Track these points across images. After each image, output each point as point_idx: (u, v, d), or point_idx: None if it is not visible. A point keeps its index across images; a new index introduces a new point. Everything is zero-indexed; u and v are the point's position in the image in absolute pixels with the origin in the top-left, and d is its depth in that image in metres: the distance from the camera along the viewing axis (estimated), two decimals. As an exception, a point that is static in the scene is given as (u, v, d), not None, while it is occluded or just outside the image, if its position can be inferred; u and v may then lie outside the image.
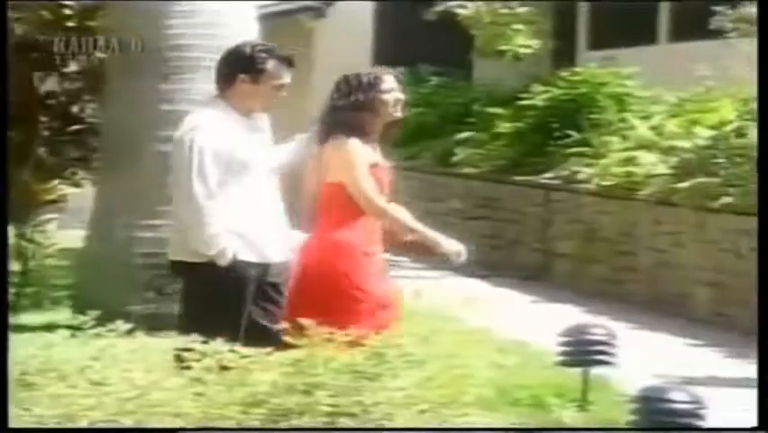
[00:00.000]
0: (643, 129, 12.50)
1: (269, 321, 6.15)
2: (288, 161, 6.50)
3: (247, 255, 6.09)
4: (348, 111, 6.32)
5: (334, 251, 6.33)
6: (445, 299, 6.86)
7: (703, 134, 11.50)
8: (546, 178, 13.25)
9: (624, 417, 6.03)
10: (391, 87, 6.43)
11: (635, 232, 11.72)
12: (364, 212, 6.36)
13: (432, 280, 10.24)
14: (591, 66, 14.37)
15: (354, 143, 6.27)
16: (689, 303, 10.94)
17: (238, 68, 6.20)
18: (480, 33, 14.71)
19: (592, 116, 13.34)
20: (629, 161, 12.02)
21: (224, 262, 6.01)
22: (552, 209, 13.22)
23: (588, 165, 12.65)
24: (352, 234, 6.38)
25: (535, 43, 14.38)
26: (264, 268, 6.20)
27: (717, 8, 12.16)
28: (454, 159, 14.98)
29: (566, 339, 7.16)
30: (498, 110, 14.76)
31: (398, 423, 4.05)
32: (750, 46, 12.31)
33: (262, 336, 5.99)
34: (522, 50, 14.34)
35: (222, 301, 6.04)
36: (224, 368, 4.73)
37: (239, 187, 6.09)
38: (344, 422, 3.98)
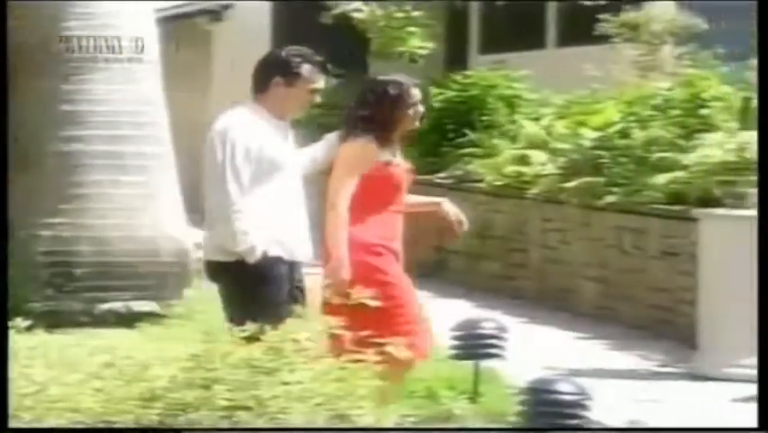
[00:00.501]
0: (532, 130, 12.58)
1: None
2: (316, 161, 6.48)
3: (277, 252, 6.05)
4: (370, 121, 6.36)
5: (351, 247, 6.33)
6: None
7: (589, 135, 11.60)
8: (441, 177, 13.31)
9: (513, 408, 6.06)
10: (415, 100, 6.49)
11: (526, 229, 11.79)
12: (382, 207, 6.42)
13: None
14: (482, 69, 14.48)
15: (363, 145, 6.31)
16: (575, 298, 11.02)
17: (273, 71, 6.16)
18: (376, 36, 14.74)
19: (484, 118, 13.42)
20: (519, 160, 12.09)
21: (252, 259, 5.96)
22: (445, 207, 13.25)
23: (480, 165, 12.72)
24: (366, 229, 6.40)
25: (429, 46, 14.42)
26: (292, 267, 6.18)
27: (602, 15, 12.29)
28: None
29: (458, 333, 7.18)
30: (394, 111, 14.82)
31: (295, 417, 4.03)
32: (632, 50, 12.52)
33: None
34: (416, 53, 14.38)
35: (257, 299, 5.99)
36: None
37: (269, 186, 6.06)
38: (241, 415, 3.95)
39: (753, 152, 8.92)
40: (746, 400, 7.31)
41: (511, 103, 13.49)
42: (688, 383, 8.34)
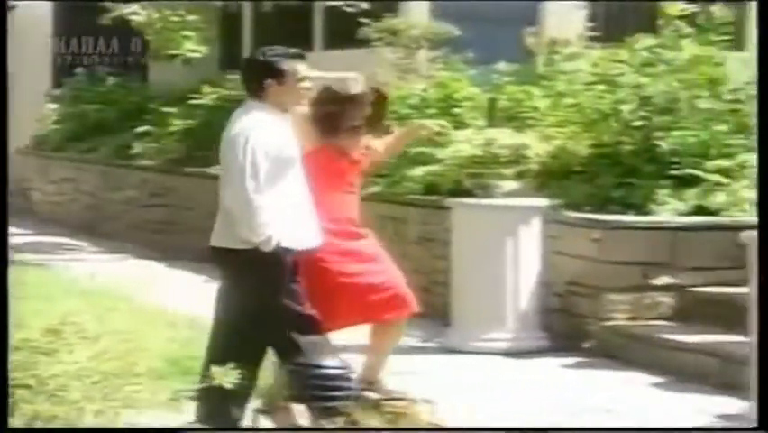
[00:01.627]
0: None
1: (301, 305, 6.15)
2: None
3: (288, 243, 6.02)
4: (323, 119, 6.67)
5: None
6: (121, 279, 6.80)
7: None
8: (216, 169, 13.26)
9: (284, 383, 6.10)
10: (367, 101, 6.80)
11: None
12: (332, 190, 6.61)
13: (108, 262, 10.16)
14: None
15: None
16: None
17: (263, 75, 6.13)
18: (153, 38, 14.63)
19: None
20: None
21: (268, 248, 5.94)
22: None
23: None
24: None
25: (204, 48, 14.37)
26: (296, 254, 6.15)
27: (364, 20, 12.41)
28: (132, 152, 14.94)
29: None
30: (172, 109, 14.79)
31: (73, 393, 4.01)
32: (392, 54, 12.68)
33: (298, 321, 6.10)
34: (191, 55, 14.31)
35: (263, 284, 6.04)
36: None
37: (284, 181, 6.05)
38: (21, 394, 3.90)
39: (498, 147, 9.14)
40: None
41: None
42: (443, 356, 8.51)
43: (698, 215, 8.73)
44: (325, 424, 5.70)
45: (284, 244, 6.00)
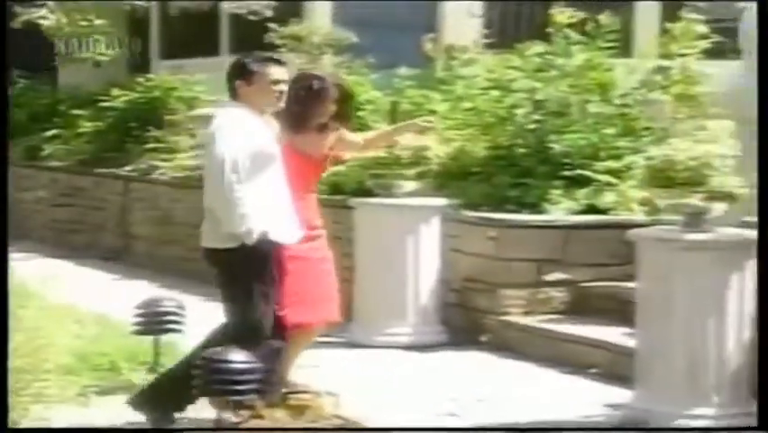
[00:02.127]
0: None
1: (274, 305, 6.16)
2: None
3: (273, 236, 6.05)
4: (291, 113, 6.60)
5: None
6: (29, 277, 6.71)
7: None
8: (126, 170, 13.25)
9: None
10: (331, 98, 6.80)
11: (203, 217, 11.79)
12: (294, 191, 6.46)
13: (18, 261, 9.99)
14: (163, 73, 14.45)
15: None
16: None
17: (234, 77, 6.19)
18: (62, 41, 14.48)
19: (165, 117, 13.39)
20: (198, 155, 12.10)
21: (250, 240, 5.95)
22: (131, 198, 13.22)
23: (162, 159, 12.72)
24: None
25: (112, 52, 14.26)
26: (279, 248, 6.16)
27: (270, 25, 12.39)
28: (42, 153, 14.78)
29: (140, 311, 7.15)
30: (81, 111, 14.66)
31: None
32: (297, 59, 12.65)
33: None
34: (100, 58, 14.19)
35: (253, 281, 6.05)
36: None
37: (262, 176, 6.06)
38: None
39: (399, 149, 9.17)
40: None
41: (190, 104, 13.51)
42: (346, 350, 8.52)
43: (588, 214, 8.83)
44: (232, 417, 5.69)
45: (268, 238, 6.01)
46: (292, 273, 6.32)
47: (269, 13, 12.26)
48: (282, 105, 6.30)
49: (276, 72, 6.20)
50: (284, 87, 6.24)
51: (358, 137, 7.34)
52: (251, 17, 12.00)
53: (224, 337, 6.15)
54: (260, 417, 5.61)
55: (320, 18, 13.49)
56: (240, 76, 6.19)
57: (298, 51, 12.00)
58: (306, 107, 6.78)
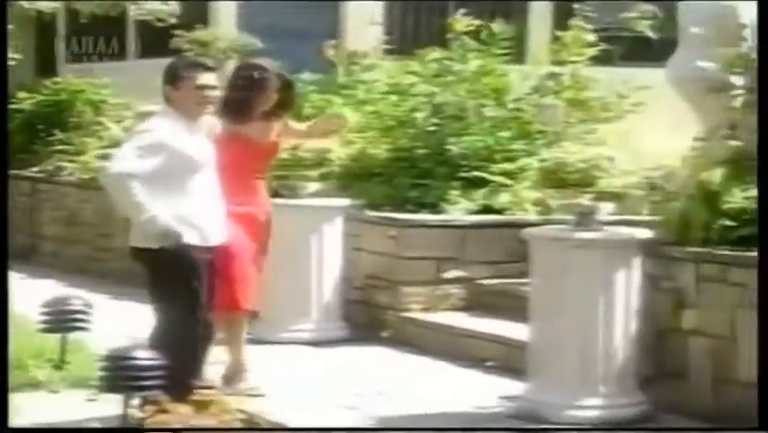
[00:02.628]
0: (116, 130, 12.49)
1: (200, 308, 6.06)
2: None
3: (192, 239, 5.93)
4: (231, 98, 6.65)
5: None
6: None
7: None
8: (33, 171, 13.10)
9: (95, 374, 6.03)
10: (272, 87, 6.74)
11: (111, 217, 11.68)
12: (237, 175, 6.49)
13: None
14: (70, 76, 14.32)
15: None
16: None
17: (164, 81, 6.12)
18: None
19: (73, 119, 13.27)
20: (104, 157, 11.99)
21: (166, 242, 5.86)
22: (38, 198, 13.07)
23: (69, 160, 12.60)
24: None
25: (20, 56, 14.08)
26: (208, 251, 6.06)
27: (175, 31, 12.35)
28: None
29: (47, 309, 7.08)
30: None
31: None
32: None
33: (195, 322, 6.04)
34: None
35: (176, 283, 5.96)
36: None
37: (184, 180, 5.96)
38: None
39: (302, 151, 9.19)
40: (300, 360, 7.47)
41: (97, 107, 13.39)
42: (251, 346, 8.48)
43: (485, 213, 8.91)
44: (137, 413, 5.65)
45: (188, 240, 5.94)
46: (226, 259, 6.36)
47: (175, 20, 12.20)
48: (210, 110, 6.23)
49: (203, 77, 6.08)
50: (212, 93, 6.12)
51: (302, 126, 7.38)
52: (158, 23, 11.92)
53: (155, 336, 6.12)
54: (166, 411, 5.57)
55: (225, 24, 13.47)
56: (168, 80, 6.12)
57: (204, 56, 11.97)
58: (249, 96, 6.74)
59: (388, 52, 11.70)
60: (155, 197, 5.88)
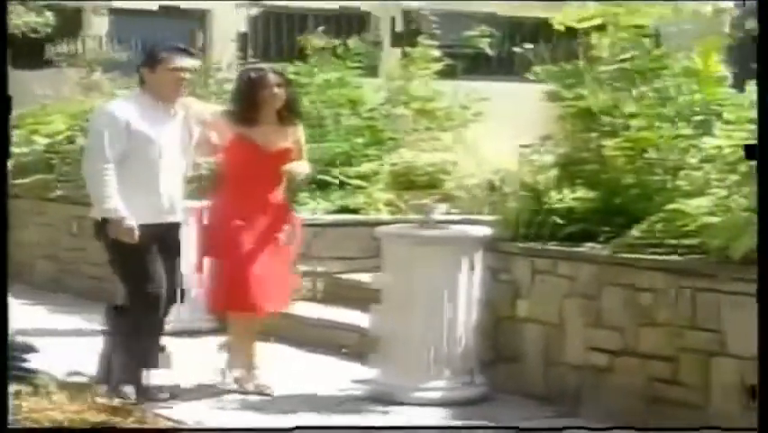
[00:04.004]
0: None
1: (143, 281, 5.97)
2: (194, 137, 6.24)
3: (145, 217, 5.80)
4: (236, 103, 6.30)
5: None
6: None
7: (41, 141, 11.41)
8: None
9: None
10: (272, 83, 6.27)
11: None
12: (242, 180, 6.21)
13: None
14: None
15: (215, 125, 6.21)
16: (31, 272, 10.79)
17: (141, 64, 5.97)
18: None
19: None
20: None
21: (114, 217, 5.72)
22: None
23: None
24: (227, 201, 6.28)
25: None
26: (162, 228, 5.92)
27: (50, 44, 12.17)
28: None
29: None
30: None
31: None
32: (76, 74, 12.46)
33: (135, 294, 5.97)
34: None
35: (129, 259, 5.89)
36: None
37: (142, 157, 5.83)
38: None
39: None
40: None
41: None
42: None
43: (342, 213, 8.95)
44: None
45: (141, 220, 5.84)
46: (238, 263, 6.21)
47: (48, 31, 12.00)
48: (184, 92, 6.09)
49: (179, 61, 5.96)
50: (187, 76, 6.00)
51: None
52: (32, 35, 11.70)
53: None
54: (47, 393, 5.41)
55: (95, 37, 13.28)
56: (145, 63, 5.98)
57: (75, 66, 11.83)
58: (249, 97, 6.31)
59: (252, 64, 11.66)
60: (119, 177, 5.82)
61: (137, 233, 5.87)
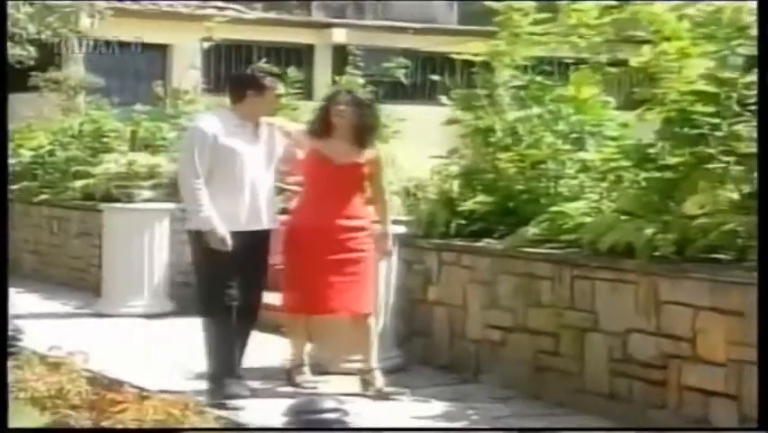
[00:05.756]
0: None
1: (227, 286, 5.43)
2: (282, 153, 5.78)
3: (233, 225, 5.38)
4: (312, 120, 5.91)
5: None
6: None
7: (26, 154, 11.25)
8: None
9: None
10: (338, 102, 5.79)
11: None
12: (316, 190, 5.76)
13: None
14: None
15: (298, 140, 5.78)
16: (20, 265, 10.59)
17: (247, 86, 5.55)
18: None
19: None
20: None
21: (206, 227, 5.33)
22: None
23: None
24: (300, 209, 5.82)
25: None
26: (247, 238, 5.43)
27: (33, 72, 11.99)
28: None
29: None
30: None
31: None
32: (56, 98, 12.29)
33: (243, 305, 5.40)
34: None
35: (211, 263, 5.40)
36: None
37: (227, 170, 5.42)
38: None
39: (137, 166, 9.01)
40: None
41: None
42: (95, 319, 8.28)
43: (282, 214, 8.88)
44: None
45: (229, 227, 5.38)
46: (294, 266, 5.70)
47: (31, 62, 11.82)
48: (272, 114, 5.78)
49: (280, 87, 5.84)
50: (282, 100, 5.97)
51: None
52: (17, 66, 11.49)
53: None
54: (21, 367, 5.27)
55: (74, 66, 13.09)
56: (252, 87, 5.56)
57: (57, 92, 11.67)
58: (322, 113, 5.81)
59: (205, 90, 11.62)
60: (207, 188, 5.40)
61: (230, 241, 5.39)
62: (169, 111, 10.96)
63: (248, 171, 5.51)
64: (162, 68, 14.05)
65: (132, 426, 4.82)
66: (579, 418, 5.32)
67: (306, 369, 6.04)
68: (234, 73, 6.22)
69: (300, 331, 6.05)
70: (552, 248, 5.76)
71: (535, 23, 6.45)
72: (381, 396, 5.71)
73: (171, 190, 9.22)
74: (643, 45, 5.74)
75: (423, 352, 6.56)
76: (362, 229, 5.80)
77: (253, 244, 5.51)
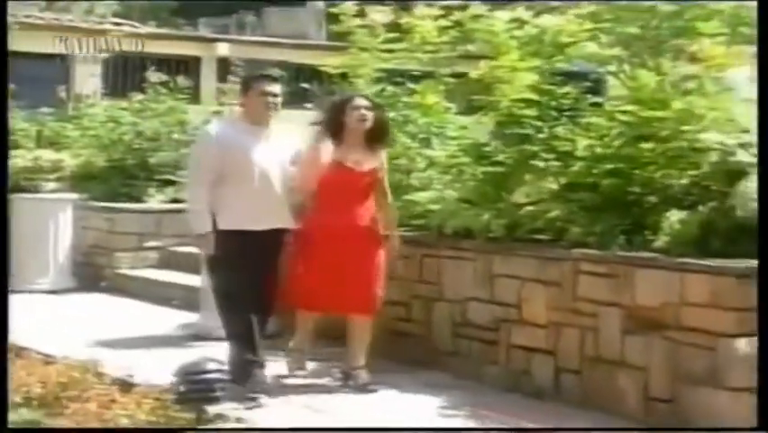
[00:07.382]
0: None
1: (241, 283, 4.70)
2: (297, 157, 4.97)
3: (240, 225, 4.72)
4: (325, 124, 4.97)
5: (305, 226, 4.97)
6: None
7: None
8: None
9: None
10: (357, 105, 4.96)
11: None
12: (332, 195, 4.92)
13: None
14: None
15: (317, 146, 4.91)
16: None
17: (241, 91, 5.02)
18: None
19: None
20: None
21: (202, 230, 4.70)
22: None
23: None
24: (317, 213, 4.94)
25: None
26: (259, 237, 4.74)
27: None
28: None
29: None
30: None
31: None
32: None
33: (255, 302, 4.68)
34: None
35: (221, 264, 4.75)
36: None
37: (237, 173, 4.75)
38: None
39: (43, 161, 8.64)
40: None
41: None
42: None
43: (176, 203, 8.67)
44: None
45: (235, 227, 4.71)
46: (312, 268, 4.92)
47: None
48: (274, 114, 4.91)
49: (267, 86, 4.86)
50: (276, 100, 4.85)
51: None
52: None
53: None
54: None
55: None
56: (240, 89, 5.02)
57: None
58: (337, 119, 4.96)
59: (105, 95, 11.25)
60: (218, 192, 4.74)
61: (213, 245, 4.77)
62: (72, 113, 10.59)
63: (258, 172, 4.83)
64: (66, 75, 13.50)
65: (38, 388, 4.59)
66: (428, 373, 5.35)
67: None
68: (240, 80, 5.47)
69: (310, 326, 5.32)
70: (405, 231, 5.75)
71: (385, 41, 6.44)
72: (362, 389, 5.05)
73: (74, 183, 8.94)
74: (479, 60, 5.80)
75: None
76: (378, 232, 5.13)
77: (268, 242, 4.85)
